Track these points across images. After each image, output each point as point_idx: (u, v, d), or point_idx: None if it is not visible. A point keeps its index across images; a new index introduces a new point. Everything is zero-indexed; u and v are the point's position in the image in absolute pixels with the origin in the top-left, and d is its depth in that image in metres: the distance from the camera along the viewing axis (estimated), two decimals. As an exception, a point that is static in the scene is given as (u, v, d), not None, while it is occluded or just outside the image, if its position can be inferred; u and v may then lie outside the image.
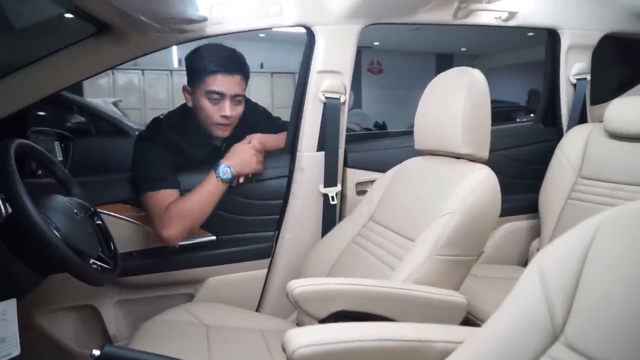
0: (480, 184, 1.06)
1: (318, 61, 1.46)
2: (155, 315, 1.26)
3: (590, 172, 1.58)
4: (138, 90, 7.51)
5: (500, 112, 6.72)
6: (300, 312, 0.98)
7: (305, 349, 0.71)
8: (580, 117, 1.79)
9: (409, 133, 1.40)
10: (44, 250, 0.84)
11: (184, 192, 1.39)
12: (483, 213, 1.05)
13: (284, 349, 0.73)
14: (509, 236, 1.77)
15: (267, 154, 1.51)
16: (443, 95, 1.19)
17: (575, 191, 1.60)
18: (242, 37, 1.43)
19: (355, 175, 1.61)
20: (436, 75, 1.26)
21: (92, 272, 0.93)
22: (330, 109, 1.48)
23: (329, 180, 1.50)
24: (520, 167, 1.80)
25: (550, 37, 1.81)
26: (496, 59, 9.41)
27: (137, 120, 5.50)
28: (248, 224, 1.51)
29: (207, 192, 1.34)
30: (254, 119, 1.55)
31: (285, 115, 1.63)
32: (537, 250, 1.68)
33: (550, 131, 1.86)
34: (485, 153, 1.16)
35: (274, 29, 1.52)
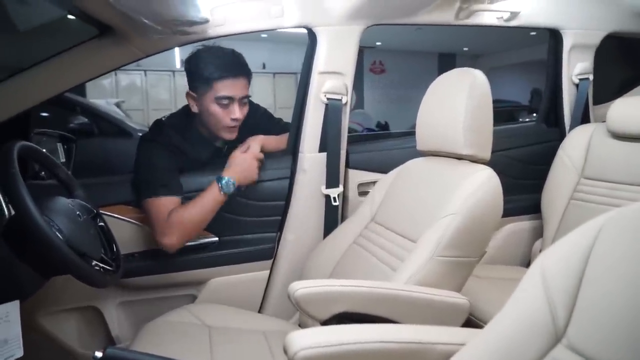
0: (482, 185, 1.05)
1: (320, 62, 1.47)
2: (157, 317, 1.26)
3: (593, 173, 1.57)
4: (141, 91, 7.52)
5: (503, 112, 6.71)
6: (303, 314, 0.98)
7: (306, 351, 0.71)
8: (583, 117, 1.78)
9: (411, 134, 1.40)
10: (47, 252, 0.85)
11: (185, 192, 1.40)
12: (485, 214, 1.05)
13: (285, 351, 0.74)
14: (512, 237, 1.77)
15: (269, 155, 1.51)
16: (445, 96, 1.19)
17: (577, 191, 1.59)
18: (244, 37, 1.43)
19: (357, 176, 1.61)
20: (438, 74, 1.26)
21: (94, 273, 0.94)
22: (332, 110, 1.48)
23: (331, 181, 1.50)
24: (523, 168, 1.80)
25: (553, 37, 1.81)
26: (499, 58, 9.39)
27: (139, 121, 5.51)
28: (250, 225, 1.51)
29: (208, 203, 1.36)
30: (256, 120, 1.55)
31: (287, 115, 1.63)
32: (540, 250, 1.67)
33: (552, 131, 1.85)
34: (487, 154, 1.16)
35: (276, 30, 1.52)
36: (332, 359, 0.72)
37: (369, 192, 1.44)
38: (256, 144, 1.46)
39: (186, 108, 1.46)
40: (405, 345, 0.75)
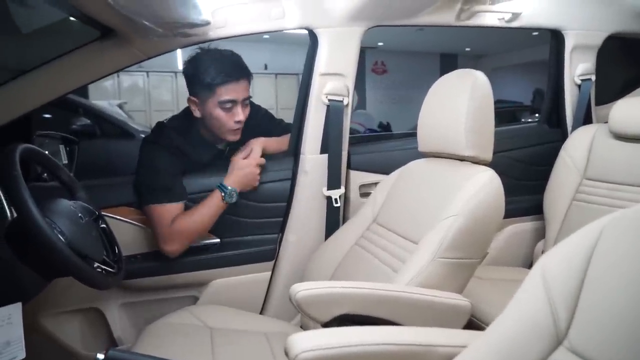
0: (483, 186, 1.05)
1: (321, 64, 1.47)
2: (159, 318, 1.27)
3: (595, 173, 1.57)
4: (143, 92, 7.54)
5: (505, 113, 6.69)
6: (304, 316, 0.98)
7: (307, 353, 0.71)
8: (585, 118, 1.78)
9: (412, 135, 1.40)
10: (49, 254, 0.85)
11: (188, 194, 1.40)
12: (487, 215, 1.05)
13: (286, 353, 0.74)
14: (514, 238, 1.76)
15: (271, 157, 1.52)
16: (446, 98, 1.19)
17: (580, 192, 1.59)
18: (246, 38, 1.44)
19: (358, 178, 1.61)
20: (440, 75, 1.26)
21: (96, 275, 0.94)
22: (334, 112, 1.48)
23: (333, 183, 1.50)
24: (525, 168, 1.79)
25: (554, 38, 1.80)
26: (501, 58, 9.38)
27: (142, 122, 5.52)
28: (252, 226, 1.51)
29: (211, 211, 1.38)
30: (257, 121, 1.55)
31: (289, 116, 1.63)
32: (542, 251, 1.67)
33: (554, 132, 1.85)
34: (488, 155, 1.15)
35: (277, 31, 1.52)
36: (333, 361, 0.72)
37: (370, 193, 1.44)
38: (258, 147, 1.47)
39: (188, 110, 1.46)
40: (406, 348, 0.75)
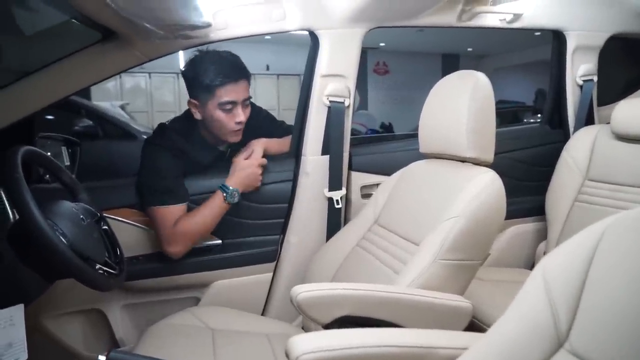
0: (485, 187, 1.05)
1: (322, 65, 1.47)
2: (161, 319, 1.27)
3: (598, 174, 1.56)
4: (145, 93, 7.56)
5: (508, 113, 6.68)
6: (305, 317, 0.98)
7: (308, 355, 0.71)
8: (587, 119, 1.77)
9: (414, 136, 1.40)
10: (50, 256, 0.85)
11: (190, 195, 1.41)
12: (488, 217, 1.05)
13: (287, 355, 0.74)
14: (516, 239, 1.76)
15: (272, 158, 1.52)
16: (447, 99, 1.19)
17: (582, 193, 1.58)
18: (247, 39, 1.44)
19: (360, 179, 1.61)
20: (442, 75, 1.26)
21: (98, 277, 0.94)
22: (335, 113, 1.48)
23: (334, 184, 1.50)
24: (527, 169, 1.79)
25: (556, 39, 1.80)
26: (503, 59, 9.36)
27: (144, 123, 5.54)
28: (253, 227, 1.51)
29: (213, 212, 1.38)
30: (258, 122, 1.55)
31: (291, 116, 1.63)
32: (544, 253, 1.66)
33: (556, 133, 1.85)
34: (490, 156, 1.15)
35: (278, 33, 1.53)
36: (333, 363, 0.72)
37: (372, 194, 1.44)
38: (259, 148, 1.47)
39: (189, 112, 1.46)
40: (407, 350, 0.75)
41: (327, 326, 0.95)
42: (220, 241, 1.49)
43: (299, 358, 0.71)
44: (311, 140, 1.50)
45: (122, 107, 5.09)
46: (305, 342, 0.74)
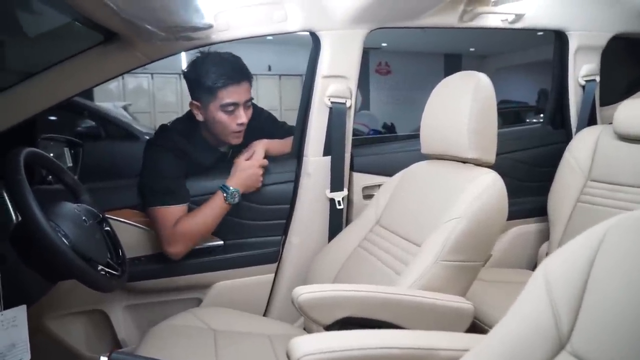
0: (486, 188, 1.05)
1: (324, 66, 1.47)
2: (163, 320, 1.27)
3: (600, 175, 1.56)
4: (147, 93, 7.58)
5: (510, 113, 6.67)
6: (307, 318, 0.98)
7: (309, 357, 0.71)
8: (590, 119, 1.77)
9: (415, 137, 1.40)
10: (53, 257, 0.86)
11: (191, 196, 1.41)
12: (490, 218, 1.05)
13: (288, 357, 0.74)
14: (518, 239, 1.76)
15: (274, 159, 1.52)
16: (449, 99, 1.19)
17: (584, 194, 1.58)
18: (249, 39, 1.44)
19: (361, 180, 1.61)
20: (445, 76, 1.26)
21: (100, 278, 0.95)
22: (336, 114, 1.48)
23: (336, 185, 1.50)
24: (529, 170, 1.79)
25: (558, 39, 1.79)
26: (505, 58, 9.36)
27: (146, 123, 5.55)
28: (255, 228, 1.51)
29: (214, 213, 1.39)
30: (260, 124, 1.56)
31: (294, 117, 1.63)
32: (547, 253, 1.66)
33: (559, 133, 1.84)
34: (491, 157, 1.15)
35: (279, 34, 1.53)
36: (334, 365, 0.73)
37: (373, 195, 1.44)
38: (260, 148, 1.47)
39: (191, 113, 1.47)
40: (408, 351, 0.75)
41: (329, 327, 0.95)
42: (222, 242, 1.49)
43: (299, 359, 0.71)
44: (313, 141, 1.50)
45: (125, 108, 5.10)
46: (306, 343, 0.74)
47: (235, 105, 1.39)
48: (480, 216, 1.03)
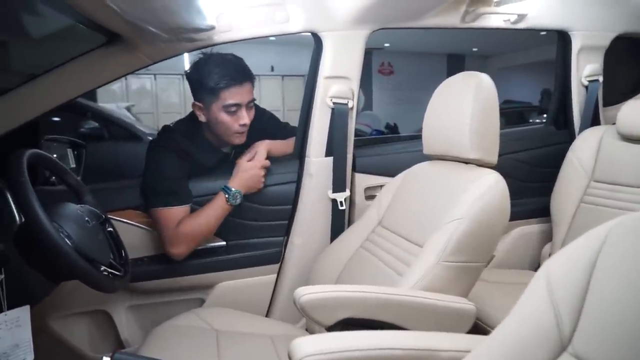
0: (489, 189, 1.05)
1: (326, 67, 1.47)
2: (166, 320, 1.28)
3: (603, 175, 1.55)
4: (151, 94, 7.60)
5: (513, 113, 6.65)
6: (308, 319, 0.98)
7: (310, 357, 0.72)
8: (593, 119, 1.76)
9: (418, 137, 1.40)
10: (56, 258, 0.86)
11: (194, 197, 1.41)
12: (492, 218, 1.05)
13: (290, 358, 0.74)
14: (521, 240, 1.75)
15: (276, 160, 1.52)
16: (451, 100, 1.19)
17: (587, 195, 1.57)
18: (252, 40, 1.44)
19: (364, 180, 1.61)
20: (447, 76, 1.26)
21: (102, 279, 0.95)
22: (338, 115, 1.48)
23: (338, 186, 1.50)
24: (532, 170, 1.78)
25: (561, 39, 1.79)
26: (508, 58, 9.33)
27: (150, 124, 5.57)
28: (257, 229, 1.52)
29: (216, 213, 1.39)
30: (262, 124, 1.56)
31: (296, 117, 1.64)
32: (550, 254, 1.66)
33: (562, 133, 1.84)
34: (493, 158, 1.15)
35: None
36: (336, 365, 0.73)
37: (376, 196, 1.44)
38: (262, 149, 1.47)
39: (193, 114, 1.47)
40: (409, 352, 0.75)
41: (331, 328, 0.95)
42: (224, 242, 1.49)
43: (301, 360, 0.72)
44: (315, 141, 1.50)
45: (128, 109, 5.12)
46: (308, 344, 0.74)
47: (238, 106, 1.39)
48: (482, 217, 1.03)
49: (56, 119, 3.22)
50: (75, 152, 1.55)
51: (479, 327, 1.28)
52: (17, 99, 1.19)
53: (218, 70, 1.37)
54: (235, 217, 1.47)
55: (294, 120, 1.68)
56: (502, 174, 1.09)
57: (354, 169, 1.59)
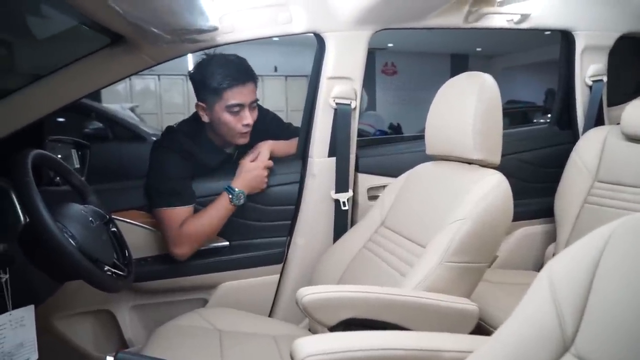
0: (492, 189, 1.05)
1: (328, 67, 1.47)
2: (169, 320, 1.28)
3: (607, 176, 1.55)
4: (154, 95, 7.62)
5: (517, 113, 6.63)
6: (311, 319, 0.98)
7: (312, 358, 0.72)
8: (597, 120, 1.75)
9: (421, 137, 1.40)
10: (60, 258, 0.87)
11: (197, 197, 1.42)
12: (495, 219, 1.04)
13: (292, 358, 0.74)
14: (524, 240, 1.75)
15: (279, 160, 1.53)
16: (454, 100, 1.18)
17: (591, 195, 1.57)
18: (255, 40, 1.44)
19: (366, 181, 1.61)
20: (451, 76, 1.25)
21: (106, 279, 0.96)
22: (341, 115, 1.49)
23: (340, 186, 1.50)
24: (536, 171, 1.77)
25: (565, 39, 1.78)
26: (512, 58, 9.30)
27: (153, 125, 5.58)
28: (260, 229, 1.52)
29: (219, 214, 1.40)
30: (265, 125, 1.56)
31: (300, 118, 1.64)
32: (553, 255, 1.65)
33: (565, 134, 1.83)
34: (496, 158, 1.15)
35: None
36: (338, 366, 0.73)
37: (378, 196, 1.44)
38: (266, 150, 1.48)
39: (197, 114, 1.48)
40: (411, 353, 0.75)
41: (333, 328, 0.95)
42: (227, 243, 1.50)
43: (303, 361, 0.72)
44: (318, 142, 1.50)
45: (132, 110, 5.13)
46: (310, 344, 0.74)
47: (241, 106, 1.40)
48: (485, 217, 1.02)
49: (60, 119, 3.24)
50: (80, 153, 1.56)
51: (482, 328, 1.28)
52: (21, 99, 1.19)
53: (221, 71, 1.37)
54: (239, 217, 1.47)
55: (297, 120, 1.68)
56: (505, 174, 1.09)
57: (356, 169, 1.59)
